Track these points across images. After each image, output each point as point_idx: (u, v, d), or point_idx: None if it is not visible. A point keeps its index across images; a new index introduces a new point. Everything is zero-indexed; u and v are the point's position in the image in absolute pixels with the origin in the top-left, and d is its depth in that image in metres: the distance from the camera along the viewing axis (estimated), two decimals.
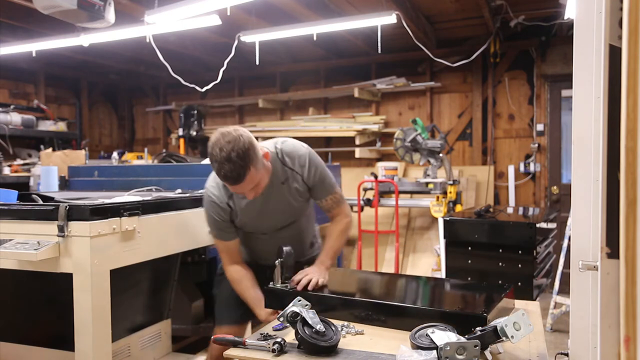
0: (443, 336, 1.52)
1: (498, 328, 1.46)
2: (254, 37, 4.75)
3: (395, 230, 5.03)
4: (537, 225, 2.69)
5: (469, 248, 2.82)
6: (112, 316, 2.17)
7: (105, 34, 4.46)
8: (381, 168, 5.28)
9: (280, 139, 2.32)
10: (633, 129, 1.02)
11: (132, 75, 7.83)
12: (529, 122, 5.77)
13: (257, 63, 5.13)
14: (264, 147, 2.17)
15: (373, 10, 4.32)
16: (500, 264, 2.74)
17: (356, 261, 5.18)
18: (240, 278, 2.30)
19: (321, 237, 2.61)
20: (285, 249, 2.07)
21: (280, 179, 2.22)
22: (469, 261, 2.82)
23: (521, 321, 1.48)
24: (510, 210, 3.89)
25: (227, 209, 2.23)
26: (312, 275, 2.10)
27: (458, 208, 4.84)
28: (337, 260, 5.43)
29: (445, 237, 2.91)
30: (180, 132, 6.83)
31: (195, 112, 6.83)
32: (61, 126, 6.75)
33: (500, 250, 2.74)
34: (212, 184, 2.26)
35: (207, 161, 3.76)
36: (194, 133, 6.79)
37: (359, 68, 6.56)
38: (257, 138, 5.97)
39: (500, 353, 1.61)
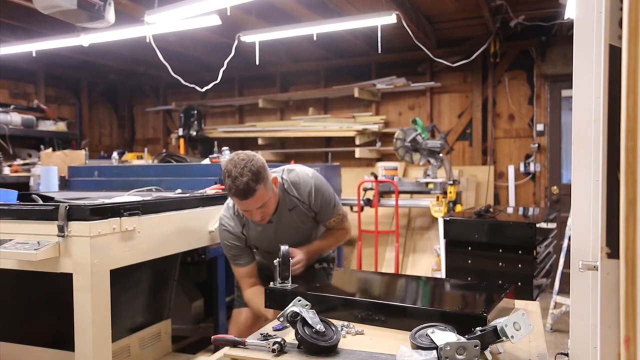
0: (443, 336, 1.52)
1: (498, 328, 1.46)
2: (254, 37, 4.75)
3: (395, 230, 5.03)
4: (537, 225, 2.68)
5: (469, 248, 2.82)
6: (112, 316, 2.17)
7: (105, 34, 4.46)
8: (381, 168, 5.28)
9: (287, 167, 2.42)
10: (633, 129, 1.02)
11: (132, 75, 7.83)
12: (529, 122, 5.77)
13: (257, 63, 5.13)
14: (273, 173, 2.29)
15: (373, 10, 4.32)
16: (500, 264, 2.74)
17: (356, 261, 5.18)
18: (255, 297, 2.36)
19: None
20: (282, 248, 2.08)
21: (288, 206, 2.34)
22: (469, 261, 2.82)
23: (521, 321, 1.48)
24: (510, 210, 3.89)
25: (242, 237, 2.36)
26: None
27: (458, 208, 4.84)
28: (337, 260, 5.44)
29: (445, 237, 2.91)
30: (180, 132, 6.83)
31: (195, 112, 6.83)
32: (61, 126, 6.75)
33: (500, 250, 2.74)
34: (226, 214, 2.38)
35: (207, 161, 3.77)
36: (194, 133, 6.79)
37: (359, 68, 6.56)
38: (257, 138, 5.95)
39: (500, 353, 1.61)
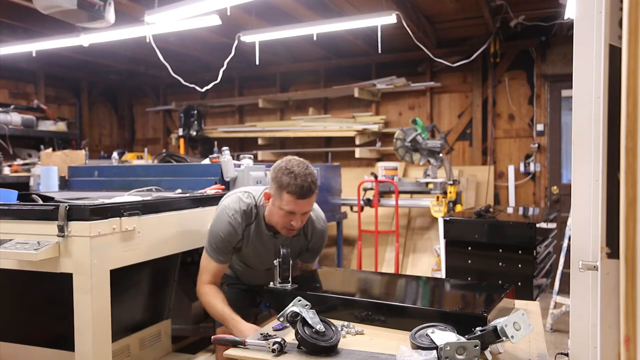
0: (443, 336, 1.52)
1: (498, 328, 1.46)
2: (254, 37, 4.75)
3: (395, 230, 5.03)
4: (537, 225, 2.69)
5: (469, 248, 2.82)
6: (112, 316, 2.17)
7: (105, 34, 4.46)
8: (381, 168, 5.28)
9: None
10: (633, 129, 1.02)
11: (132, 75, 7.83)
12: (529, 122, 5.77)
13: (257, 63, 5.13)
14: None
15: (373, 10, 4.32)
16: (500, 264, 2.75)
17: (356, 261, 5.18)
18: (216, 293, 2.27)
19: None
20: (283, 250, 2.08)
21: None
22: (469, 261, 2.82)
23: (521, 321, 1.48)
24: (510, 210, 3.89)
25: (239, 236, 2.27)
26: None
27: (458, 208, 4.84)
28: (337, 260, 5.44)
29: (445, 237, 2.91)
30: (180, 132, 6.83)
31: (195, 112, 6.84)
32: (61, 126, 6.75)
33: (500, 250, 2.74)
34: (236, 207, 2.27)
35: (207, 161, 3.76)
36: (194, 133, 6.79)
37: (359, 68, 6.56)
38: (257, 138, 5.94)
39: (500, 353, 1.61)
